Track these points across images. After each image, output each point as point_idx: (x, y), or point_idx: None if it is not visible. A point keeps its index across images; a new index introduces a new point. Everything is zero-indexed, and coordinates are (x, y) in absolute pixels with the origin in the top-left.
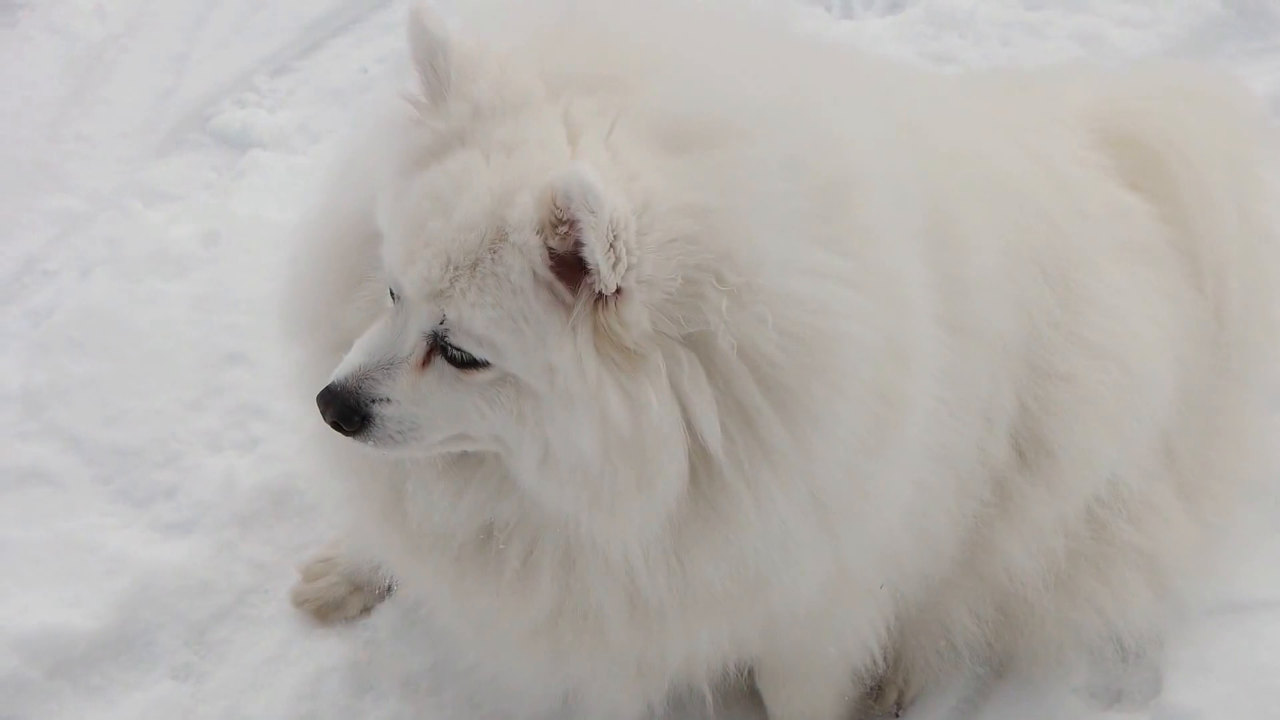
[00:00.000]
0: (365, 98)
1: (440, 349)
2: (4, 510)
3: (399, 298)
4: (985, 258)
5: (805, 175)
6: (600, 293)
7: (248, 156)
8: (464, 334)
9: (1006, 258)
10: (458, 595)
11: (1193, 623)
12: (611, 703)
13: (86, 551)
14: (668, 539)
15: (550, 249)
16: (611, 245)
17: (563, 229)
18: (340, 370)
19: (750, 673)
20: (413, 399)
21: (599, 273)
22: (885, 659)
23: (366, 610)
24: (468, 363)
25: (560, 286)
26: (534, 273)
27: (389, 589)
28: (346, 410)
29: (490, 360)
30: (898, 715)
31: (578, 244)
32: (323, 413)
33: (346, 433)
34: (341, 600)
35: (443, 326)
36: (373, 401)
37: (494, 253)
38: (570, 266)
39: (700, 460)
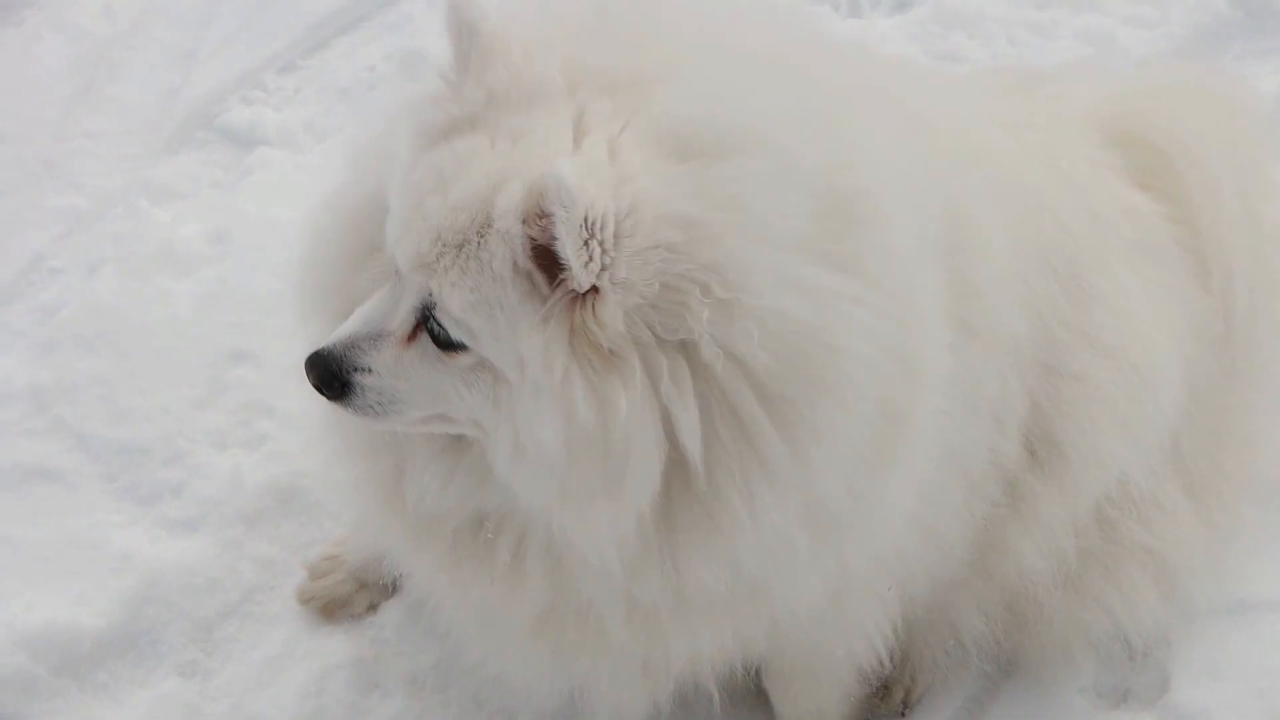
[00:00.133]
0: (372, 96)
1: (425, 326)
2: (10, 508)
3: (397, 272)
4: (997, 258)
5: (814, 193)
6: (578, 290)
7: (255, 154)
8: (444, 313)
9: (1018, 258)
10: (456, 585)
11: (1200, 623)
12: (617, 702)
13: (92, 549)
14: (659, 541)
15: (532, 239)
16: (585, 243)
17: (543, 221)
18: (332, 336)
19: (757, 672)
20: (394, 372)
21: (571, 269)
22: (892, 659)
23: (373, 608)
24: (448, 344)
25: (540, 278)
26: (514, 262)
27: (395, 586)
28: (329, 375)
29: (467, 343)
30: (904, 714)
31: (554, 238)
32: (307, 374)
33: (329, 398)
34: (348, 598)
35: (429, 301)
36: (355, 370)
37: (481, 236)
38: (552, 260)
39: (684, 467)
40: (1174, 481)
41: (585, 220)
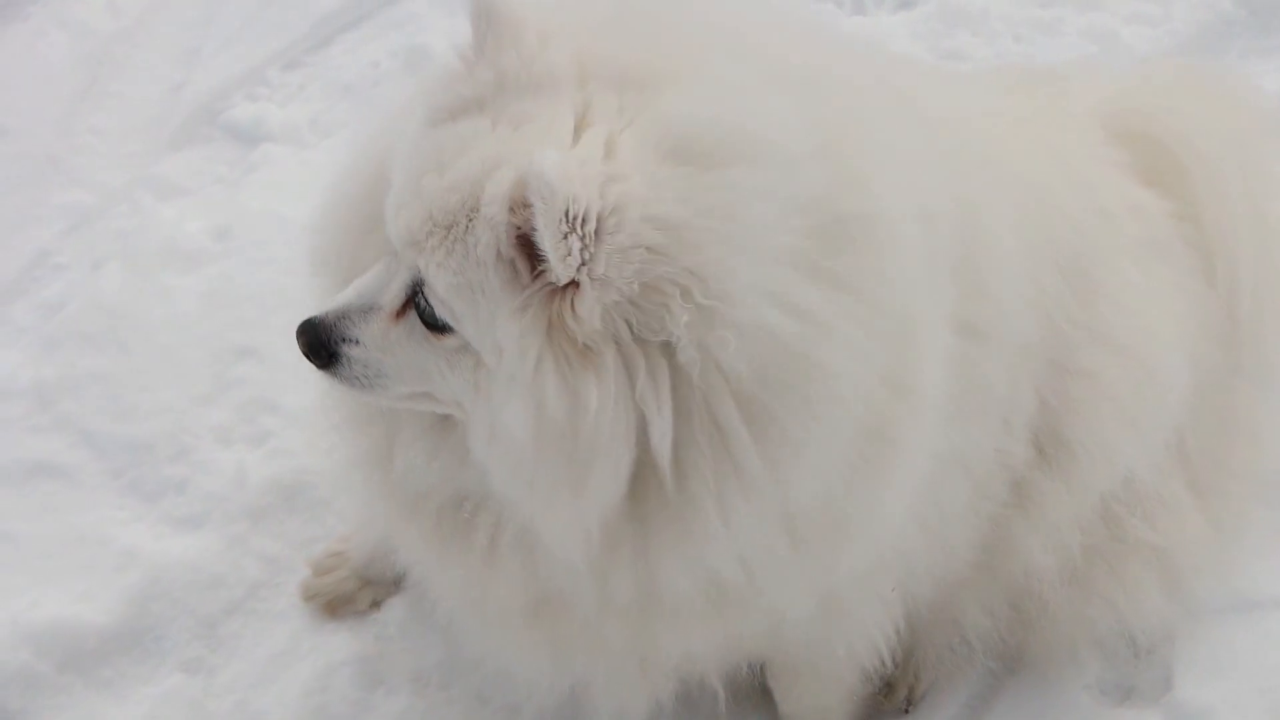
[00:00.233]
0: (376, 92)
1: (414, 303)
2: (15, 504)
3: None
4: (1009, 260)
5: (810, 210)
6: (557, 283)
7: (259, 151)
8: (431, 292)
9: (1028, 257)
10: (440, 564)
11: (1205, 620)
12: (619, 699)
13: (97, 545)
14: (633, 541)
15: (517, 228)
16: (565, 236)
17: (526, 211)
18: (325, 305)
19: (762, 669)
20: (381, 347)
21: (549, 261)
22: (894, 658)
23: (377, 605)
24: (434, 324)
25: (522, 267)
26: (498, 249)
27: (399, 583)
28: (317, 343)
29: (452, 325)
30: (908, 711)
31: (534, 229)
32: (297, 340)
33: (317, 366)
34: (352, 594)
35: (419, 279)
36: (343, 341)
37: (469, 220)
38: (535, 250)
39: (655, 469)
40: (1179, 479)
41: (566, 213)
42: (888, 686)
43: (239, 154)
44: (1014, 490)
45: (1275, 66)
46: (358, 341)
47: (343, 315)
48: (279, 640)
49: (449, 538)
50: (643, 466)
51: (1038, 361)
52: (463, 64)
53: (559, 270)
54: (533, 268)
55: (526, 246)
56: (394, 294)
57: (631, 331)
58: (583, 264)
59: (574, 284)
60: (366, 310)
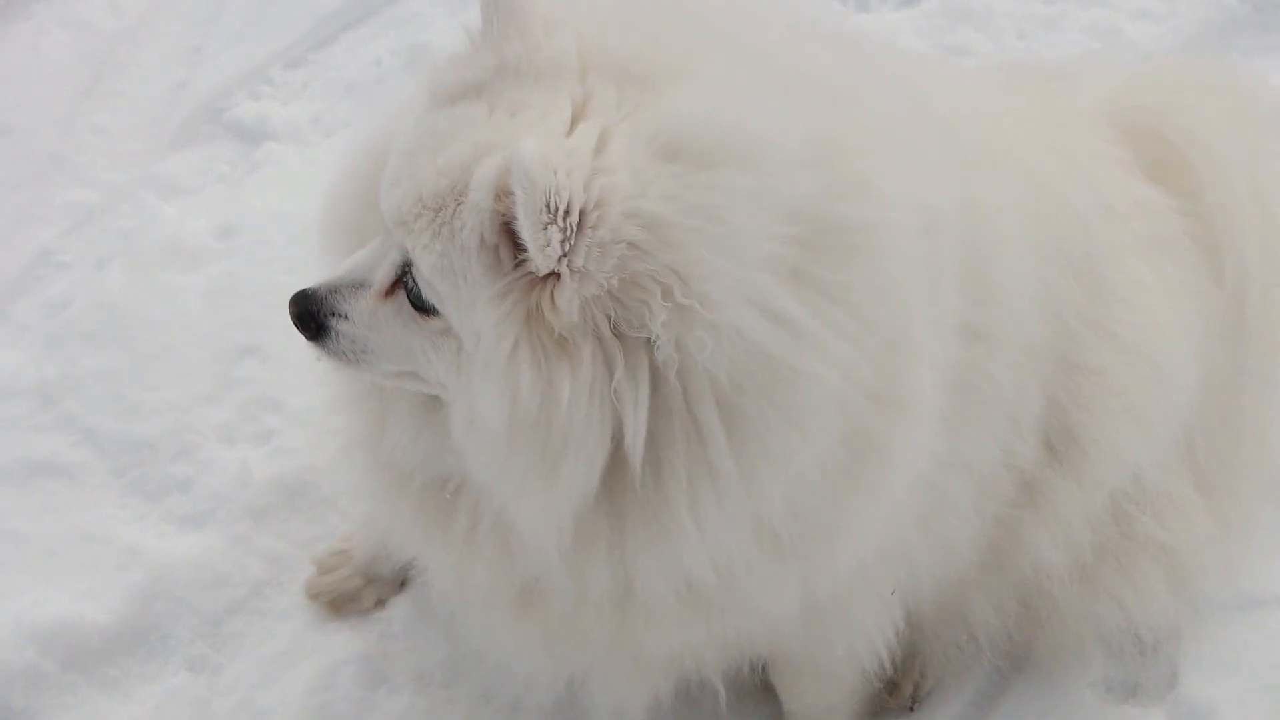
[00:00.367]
0: (379, 91)
1: (403, 283)
2: (18, 503)
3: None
4: (1017, 262)
5: (800, 219)
6: (537, 273)
7: (262, 149)
8: (417, 273)
9: (1036, 257)
10: (427, 545)
11: (1210, 618)
12: (616, 695)
13: (100, 544)
14: (609, 536)
15: (502, 215)
16: (545, 227)
17: (510, 199)
18: (319, 278)
19: (764, 668)
20: (368, 324)
21: (529, 251)
22: (896, 659)
23: (381, 603)
24: (421, 305)
25: (505, 255)
26: (481, 234)
27: (403, 582)
28: (306, 315)
29: (436, 307)
30: (913, 709)
31: (514, 217)
32: (289, 308)
33: (306, 337)
34: (356, 593)
35: (408, 259)
36: (332, 314)
37: (457, 203)
38: (518, 239)
39: (626, 466)
40: (1187, 477)
41: (546, 203)
42: (893, 684)
43: (242, 153)
44: (1024, 488)
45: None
46: (346, 317)
47: (334, 290)
48: (283, 639)
49: (432, 518)
50: (620, 462)
51: (1046, 360)
52: (470, 47)
53: (538, 260)
54: (515, 256)
55: (510, 234)
56: (384, 272)
57: (612, 326)
58: (563, 255)
59: (554, 275)
60: (357, 286)
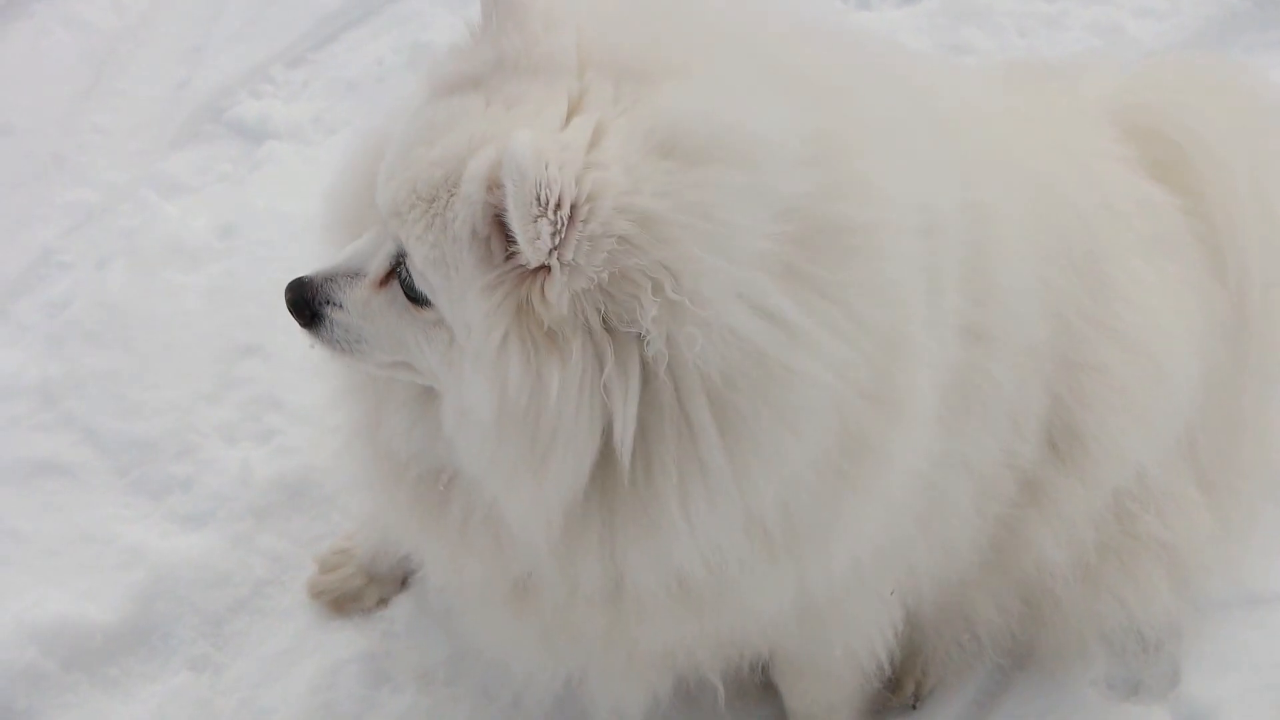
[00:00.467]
0: (380, 89)
1: (397, 273)
2: (20, 502)
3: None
4: (1019, 263)
5: (794, 217)
6: (527, 266)
7: (263, 148)
8: (410, 263)
9: (1039, 257)
10: (422, 537)
11: (1212, 616)
12: (614, 693)
13: (102, 543)
14: (600, 530)
15: (494, 207)
16: (535, 219)
17: (501, 191)
18: (317, 267)
19: (764, 667)
20: (362, 313)
21: (519, 243)
22: (896, 658)
23: (383, 602)
24: (414, 295)
25: (496, 247)
26: (473, 226)
27: (406, 581)
28: (301, 302)
29: (429, 298)
30: (916, 707)
31: (505, 209)
32: (285, 295)
33: (300, 324)
34: (358, 592)
35: (402, 249)
36: (327, 303)
37: (450, 195)
38: (510, 232)
39: (618, 461)
40: (1189, 475)
41: (537, 196)
42: (895, 682)
43: (243, 151)
44: (1026, 487)
45: None
46: (340, 305)
47: (329, 278)
48: (285, 638)
49: (427, 510)
50: (612, 457)
51: (1048, 360)
52: (470, 39)
53: (528, 252)
54: (506, 249)
55: (502, 227)
56: (379, 263)
57: (603, 321)
58: (553, 248)
59: (545, 268)
60: (352, 276)
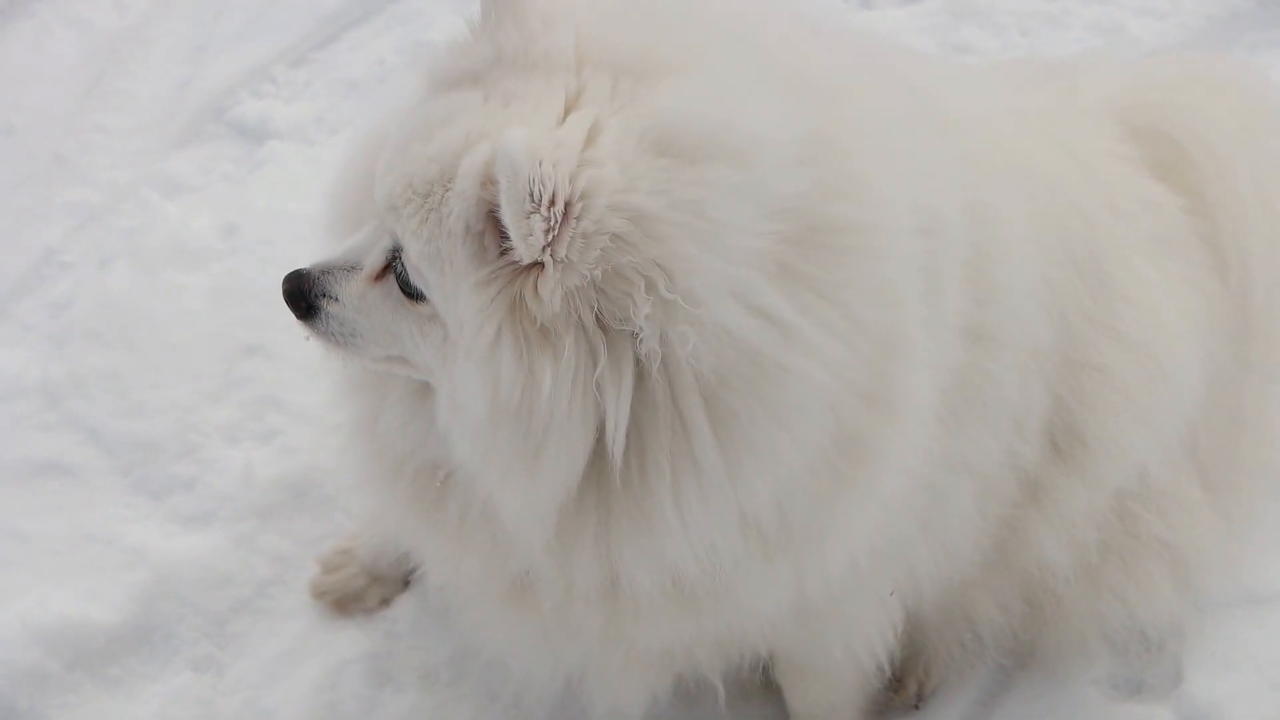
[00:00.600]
0: (382, 89)
1: (393, 268)
2: (22, 502)
3: None
4: (1022, 264)
5: (789, 217)
6: (521, 262)
7: (265, 148)
8: (405, 258)
9: (1042, 258)
10: (421, 533)
11: (1214, 615)
12: (613, 692)
13: (105, 544)
14: (596, 527)
15: (488, 203)
16: (528, 216)
17: (494, 187)
18: (314, 259)
19: (764, 667)
20: (357, 307)
21: (512, 239)
22: (897, 659)
23: (386, 602)
24: (410, 290)
25: (490, 243)
26: (466, 222)
27: (408, 581)
28: (298, 294)
29: (424, 293)
30: (918, 707)
31: (499, 205)
32: (282, 286)
33: (297, 316)
34: (361, 592)
35: (398, 244)
36: (323, 295)
37: (445, 190)
38: (504, 228)
39: (626, 456)
40: (1191, 474)
41: (530, 193)
42: (898, 682)
43: (245, 151)
44: (1028, 487)
45: None
46: (336, 299)
47: (326, 271)
48: (288, 638)
49: (424, 506)
50: (606, 454)
51: (1050, 360)
52: (469, 35)
53: (521, 249)
54: (500, 245)
55: (496, 223)
56: (375, 256)
57: (596, 318)
58: (547, 245)
59: (539, 265)
60: (349, 269)
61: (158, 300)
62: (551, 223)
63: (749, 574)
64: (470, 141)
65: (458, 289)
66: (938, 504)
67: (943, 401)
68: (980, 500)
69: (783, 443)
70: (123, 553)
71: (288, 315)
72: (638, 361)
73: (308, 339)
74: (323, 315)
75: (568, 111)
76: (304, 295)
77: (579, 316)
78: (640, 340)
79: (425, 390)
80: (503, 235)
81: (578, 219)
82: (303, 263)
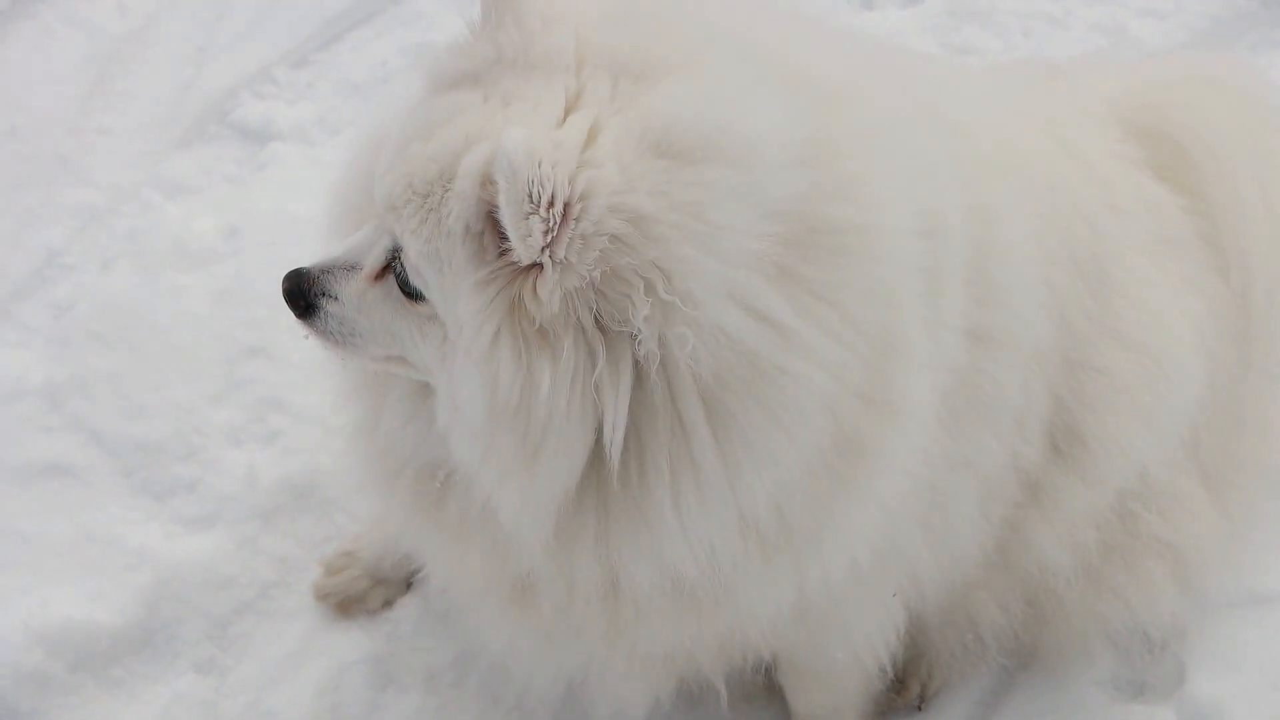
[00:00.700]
0: (385, 90)
1: (392, 267)
2: (25, 504)
3: None
4: (1024, 266)
5: (787, 218)
6: (520, 263)
7: (268, 149)
8: (405, 258)
9: (1043, 259)
10: (422, 534)
11: (1216, 615)
12: (616, 694)
13: (108, 546)
14: (595, 527)
15: (487, 203)
16: (527, 217)
17: (493, 188)
18: (315, 258)
19: (767, 669)
20: (357, 306)
21: (511, 240)
22: (898, 661)
23: (389, 604)
24: (409, 290)
25: (489, 244)
26: (466, 222)
27: (411, 582)
28: (298, 292)
29: (424, 293)
30: (921, 708)
31: (498, 206)
32: (281, 284)
33: (296, 315)
34: (363, 594)
35: (398, 244)
36: (322, 294)
37: (445, 190)
38: (503, 229)
39: (625, 456)
40: (1192, 474)
41: (529, 194)
42: (900, 684)
43: (248, 153)
44: (1029, 488)
45: None
46: (336, 298)
47: (326, 270)
48: (291, 640)
49: (425, 507)
50: (605, 454)
51: (1051, 361)
52: (469, 35)
53: (520, 250)
54: (499, 245)
55: (495, 224)
56: (374, 256)
57: (595, 319)
58: (545, 246)
59: (537, 266)
60: (349, 269)
61: (160, 302)
62: (550, 224)
63: (748, 575)
64: (470, 142)
65: (457, 289)
66: (940, 505)
67: (944, 402)
68: (983, 501)
69: (781, 444)
70: (125, 554)
71: (290, 316)
72: (636, 363)
73: (307, 338)
74: (322, 314)
75: (567, 112)
76: (303, 294)
77: (578, 317)
78: (639, 342)
79: (425, 390)
80: (502, 236)
81: (577, 220)
82: (304, 263)
